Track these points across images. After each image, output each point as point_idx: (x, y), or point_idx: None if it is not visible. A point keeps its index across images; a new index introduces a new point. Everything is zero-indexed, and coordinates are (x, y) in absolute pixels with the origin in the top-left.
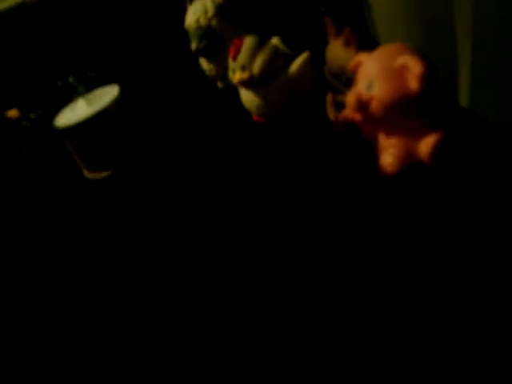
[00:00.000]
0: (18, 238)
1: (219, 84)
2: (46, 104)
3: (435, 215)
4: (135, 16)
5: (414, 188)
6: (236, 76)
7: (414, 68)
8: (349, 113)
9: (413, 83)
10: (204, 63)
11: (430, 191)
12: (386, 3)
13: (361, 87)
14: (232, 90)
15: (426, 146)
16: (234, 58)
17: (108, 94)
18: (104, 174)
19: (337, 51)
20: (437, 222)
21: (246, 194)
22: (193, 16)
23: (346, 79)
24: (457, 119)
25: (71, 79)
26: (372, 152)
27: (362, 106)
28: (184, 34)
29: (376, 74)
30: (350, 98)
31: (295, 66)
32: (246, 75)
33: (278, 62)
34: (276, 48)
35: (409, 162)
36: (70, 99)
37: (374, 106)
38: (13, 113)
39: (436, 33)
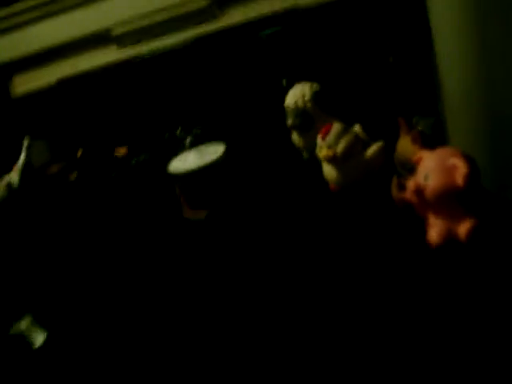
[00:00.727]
0: (117, 265)
1: (304, 154)
2: (154, 149)
3: (465, 283)
4: (242, 88)
5: (452, 259)
6: (323, 152)
7: (461, 168)
8: (408, 195)
9: (459, 180)
10: (295, 136)
11: (463, 264)
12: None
13: (419, 177)
14: (314, 161)
15: (463, 228)
16: (323, 138)
17: (215, 150)
18: (201, 214)
19: (405, 146)
20: (465, 290)
21: (309, 248)
22: (292, 98)
23: (410, 168)
24: (493, 211)
25: (179, 132)
26: (422, 227)
27: (419, 191)
28: (282, 110)
29: (432, 168)
30: (411, 184)
31: (371, 151)
32: (331, 153)
33: (357, 145)
34: (357, 134)
35: (449, 238)
36: (175, 149)
37: (428, 193)
38: (122, 150)
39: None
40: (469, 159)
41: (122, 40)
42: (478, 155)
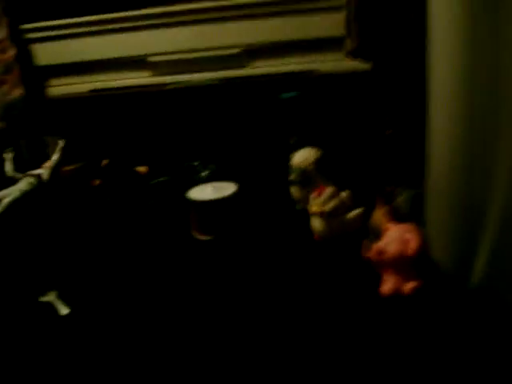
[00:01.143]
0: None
1: (297, 206)
2: (172, 174)
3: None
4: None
5: (399, 309)
6: (314, 208)
7: (413, 242)
8: (371, 254)
9: (411, 250)
10: (294, 189)
11: (408, 315)
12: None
13: (382, 243)
14: (304, 212)
15: (409, 286)
16: (316, 197)
17: (229, 187)
18: (208, 238)
19: (379, 216)
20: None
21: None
22: (298, 159)
23: (378, 234)
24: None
25: (197, 164)
26: (378, 279)
27: (380, 253)
28: (285, 164)
29: (393, 238)
30: (375, 246)
31: (352, 214)
32: (320, 209)
33: (342, 208)
34: (344, 199)
35: (398, 292)
36: (191, 178)
37: (386, 256)
38: (142, 169)
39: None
40: (422, 235)
41: (156, 67)
42: (444, 233)
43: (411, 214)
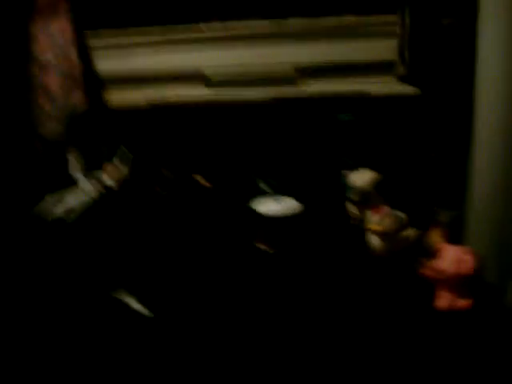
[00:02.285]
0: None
1: (353, 221)
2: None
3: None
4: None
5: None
6: (373, 226)
7: (471, 262)
8: (428, 271)
9: (469, 270)
10: (350, 206)
11: (461, 329)
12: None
13: (442, 262)
14: (359, 228)
15: (462, 303)
16: (375, 216)
17: (290, 201)
18: (272, 250)
19: (434, 236)
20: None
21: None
22: (359, 180)
23: (432, 252)
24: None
25: (258, 179)
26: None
27: (439, 271)
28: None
29: (451, 258)
30: (435, 265)
31: (405, 233)
32: (378, 228)
33: (398, 227)
34: (401, 219)
35: (452, 308)
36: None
37: (442, 273)
38: (203, 181)
39: None
40: (476, 257)
41: (211, 81)
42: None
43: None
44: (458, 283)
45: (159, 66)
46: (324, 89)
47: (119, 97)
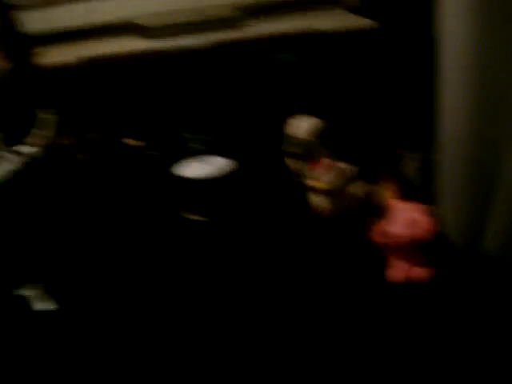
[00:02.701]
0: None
1: (295, 178)
2: (164, 147)
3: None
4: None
5: (408, 296)
6: (311, 183)
7: (424, 224)
8: (376, 236)
9: (421, 233)
10: (290, 161)
11: (415, 303)
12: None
13: (391, 226)
14: (301, 185)
15: (418, 272)
16: (314, 171)
17: (222, 163)
18: (201, 218)
19: (383, 191)
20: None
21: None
22: (298, 129)
23: (380, 212)
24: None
25: (189, 136)
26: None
27: (385, 235)
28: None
29: (399, 219)
30: (379, 228)
31: (353, 189)
32: (321, 185)
33: (343, 182)
34: (347, 173)
35: (407, 279)
36: (184, 152)
37: (392, 239)
38: (133, 142)
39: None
40: (433, 215)
41: (147, 32)
42: (458, 202)
43: (421, 183)
44: (413, 250)
45: (89, 20)
46: (268, 29)
47: (48, 55)
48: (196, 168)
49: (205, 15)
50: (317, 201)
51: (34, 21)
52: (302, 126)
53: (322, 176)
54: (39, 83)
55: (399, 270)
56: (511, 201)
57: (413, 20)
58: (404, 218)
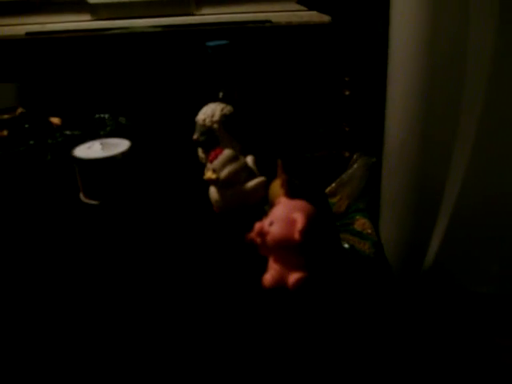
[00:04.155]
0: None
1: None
2: (85, 127)
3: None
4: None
5: (278, 303)
6: (207, 174)
7: (299, 223)
8: (252, 235)
9: (295, 234)
10: (200, 151)
11: (287, 311)
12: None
13: (266, 222)
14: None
15: (292, 278)
16: (211, 161)
17: (121, 145)
18: (94, 202)
19: (274, 187)
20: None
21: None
22: (202, 115)
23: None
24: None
25: (107, 117)
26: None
27: (262, 234)
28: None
29: (278, 217)
30: (256, 226)
31: (251, 183)
32: (213, 176)
33: (242, 175)
34: (245, 165)
35: (281, 284)
36: (97, 133)
37: (268, 238)
38: (56, 120)
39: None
40: (312, 216)
41: (95, 11)
42: (401, 208)
43: (366, 185)
44: (289, 251)
45: None
46: (221, 17)
47: None
48: (90, 150)
49: None
50: (212, 193)
51: None
52: (206, 112)
53: (217, 166)
54: None
55: (274, 273)
56: (455, 213)
57: (363, 15)
58: (282, 216)
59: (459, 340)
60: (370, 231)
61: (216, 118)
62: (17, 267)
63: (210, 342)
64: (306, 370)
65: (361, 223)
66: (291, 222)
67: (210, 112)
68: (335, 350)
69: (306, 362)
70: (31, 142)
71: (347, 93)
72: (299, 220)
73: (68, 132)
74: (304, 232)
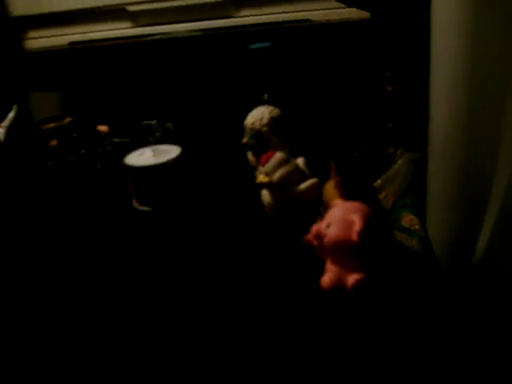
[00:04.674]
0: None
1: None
2: (133, 134)
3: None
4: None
5: (338, 305)
6: (259, 178)
7: (357, 225)
8: (310, 237)
9: (353, 235)
10: (249, 154)
11: (347, 312)
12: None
13: (323, 224)
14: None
15: (351, 279)
16: (263, 165)
17: (172, 151)
18: (147, 209)
19: (330, 189)
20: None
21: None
22: (251, 118)
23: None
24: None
25: (154, 123)
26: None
27: (319, 237)
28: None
29: (335, 218)
30: (313, 228)
31: (304, 185)
32: (265, 180)
33: (294, 177)
34: (297, 167)
35: (339, 286)
36: (146, 139)
37: (325, 240)
38: (103, 128)
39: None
40: (369, 217)
41: (135, 18)
42: (448, 204)
43: (412, 181)
44: (347, 252)
45: (79, 4)
46: (260, 18)
47: (39, 40)
48: (142, 157)
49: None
50: (264, 196)
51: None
52: (254, 115)
53: (269, 169)
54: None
55: (332, 275)
56: (504, 208)
57: (402, 9)
58: (339, 218)
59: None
60: (417, 227)
61: (265, 120)
62: (72, 275)
63: (268, 344)
64: (367, 369)
65: (408, 219)
66: (349, 224)
67: (258, 115)
68: (393, 350)
69: (367, 362)
70: (82, 152)
71: (389, 88)
72: (357, 221)
73: (117, 139)
74: (362, 233)
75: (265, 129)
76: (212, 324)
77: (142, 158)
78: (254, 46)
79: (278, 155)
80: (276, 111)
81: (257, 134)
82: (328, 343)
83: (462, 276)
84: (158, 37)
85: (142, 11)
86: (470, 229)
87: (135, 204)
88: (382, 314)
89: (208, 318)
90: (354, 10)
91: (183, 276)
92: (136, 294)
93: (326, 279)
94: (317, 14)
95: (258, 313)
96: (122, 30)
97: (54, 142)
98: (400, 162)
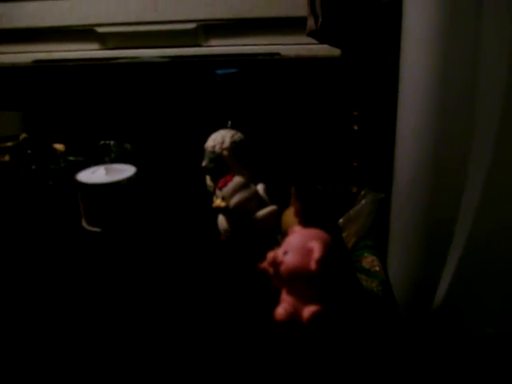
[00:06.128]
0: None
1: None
2: (88, 153)
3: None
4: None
5: (290, 338)
6: (216, 202)
7: (316, 253)
8: (265, 265)
9: (312, 264)
10: (208, 179)
11: (301, 345)
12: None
13: (280, 251)
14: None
15: (306, 312)
16: (220, 189)
17: (126, 171)
18: (96, 229)
19: (288, 215)
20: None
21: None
22: (212, 142)
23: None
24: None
25: (113, 144)
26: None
27: (275, 264)
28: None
29: (293, 246)
30: (269, 255)
31: (262, 212)
32: (222, 204)
33: (252, 203)
34: (256, 193)
35: (294, 317)
36: (102, 159)
37: (282, 268)
38: (60, 146)
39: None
40: (329, 245)
41: (104, 40)
42: (410, 247)
43: (374, 221)
44: (304, 283)
45: (47, 22)
46: (230, 49)
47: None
48: (94, 175)
49: (166, 29)
50: (220, 221)
51: None
52: (215, 138)
53: (226, 194)
54: None
55: (287, 306)
56: (466, 252)
57: (374, 49)
58: (297, 245)
59: (468, 382)
60: (378, 269)
61: (226, 144)
62: (17, 294)
63: (220, 378)
64: None
65: (369, 260)
66: (307, 252)
67: (219, 139)
68: None
69: None
70: (33, 167)
71: (356, 127)
72: (316, 249)
73: (71, 158)
74: (321, 262)
75: (225, 153)
76: (159, 358)
77: (94, 175)
78: (220, 72)
79: (237, 180)
80: (238, 135)
81: (217, 157)
82: (279, 378)
83: (421, 320)
84: (126, 60)
85: (112, 33)
86: (431, 273)
87: (84, 224)
88: (335, 351)
89: (155, 349)
90: (325, 46)
91: (130, 302)
92: (78, 318)
93: (281, 310)
94: (287, 49)
95: (207, 345)
96: (89, 52)
97: (6, 158)
98: (363, 201)
